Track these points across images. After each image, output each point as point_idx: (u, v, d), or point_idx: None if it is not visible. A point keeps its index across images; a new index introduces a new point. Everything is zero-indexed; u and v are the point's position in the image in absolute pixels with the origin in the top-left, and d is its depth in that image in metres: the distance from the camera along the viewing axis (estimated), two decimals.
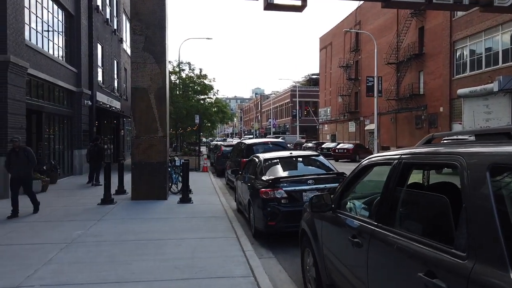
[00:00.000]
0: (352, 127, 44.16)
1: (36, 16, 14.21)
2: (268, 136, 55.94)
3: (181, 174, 11.42)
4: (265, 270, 5.25)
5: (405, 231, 2.66)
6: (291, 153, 9.23)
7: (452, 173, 2.84)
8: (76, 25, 17.65)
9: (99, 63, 20.94)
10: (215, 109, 31.50)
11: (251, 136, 69.22)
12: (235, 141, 36.24)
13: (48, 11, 15.29)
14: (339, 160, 29.83)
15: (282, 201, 6.83)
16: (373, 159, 3.61)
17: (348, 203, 3.87)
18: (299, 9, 10.14)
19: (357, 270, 3.22)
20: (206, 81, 30.27)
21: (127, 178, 11.85)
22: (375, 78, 30.44)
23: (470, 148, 2.35)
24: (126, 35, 27.57)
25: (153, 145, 11.04)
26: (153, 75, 11.11)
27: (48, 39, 15.40)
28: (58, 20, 16.40)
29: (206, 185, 14.60)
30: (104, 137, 22.29)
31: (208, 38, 32.27)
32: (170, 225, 7.97)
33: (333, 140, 46.62)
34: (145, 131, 11.05)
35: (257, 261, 5.56)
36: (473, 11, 20.33)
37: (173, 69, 29.97)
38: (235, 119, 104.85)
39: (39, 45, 14.41)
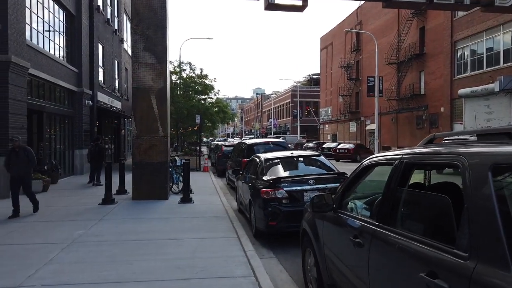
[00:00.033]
0: (353, 127, 44.13)
1: (37, 16, 14.22)
2: (269, 136, 55.95)
3: (182, 174, 11.42)
4: (266, 270, 5.24)
5: (407, 231, 2.66)
6: (292, 153, 9.23)
7: (452, 173, 2.85)
8: (77, 25, 17.67)
9: (100, 63, 20.95)
10: (216, 109, 31.49)
11: (252, 136, 69.18)
12: (236, 141, 36.24)
13: (49, 11, 15.30)
14: (340, 160, 29.82)
15: (283, 201, 6.82)
16: (374, 159, 3.61)
17: (350, 203, 3.86)
18: (300, 9, 10.14)
19: (359, 270, 3.21)
20: (207, 81, 30.29)
21: (128, 178, 11.86)
22: (376, 78, 30.41)
23: (471, 148, 2.35)
24: (127, 35, 27.59)
25: (154, 145, 11.04)
26: (154, 75, 11.11)
27: (49, 39, 15.42)
28: (59, 20, 16.42)
29: (207, 185, 14.60)
30: (105, 137, 22.29)
31: (209, 38, 32.34)
32: (171, 225, 7.98)
33: (334, 140, 46.59)
34: (146, 131, 11.06)
35: (258, 261, 5.56)
36: (474, 11, 20.31)
37: (174, 69, 29.99)
38: (236, 119, 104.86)
39: (40, 45, 14.43)
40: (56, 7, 16.00)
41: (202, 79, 30.33)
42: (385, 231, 2.85)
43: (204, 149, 37.08)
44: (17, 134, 10.44)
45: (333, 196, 3.97)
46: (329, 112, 51.40)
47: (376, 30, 36.80)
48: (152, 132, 11.06)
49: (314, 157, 8.89)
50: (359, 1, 23.83)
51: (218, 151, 21.98)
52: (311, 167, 8.41)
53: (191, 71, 31.02)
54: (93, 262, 5.57)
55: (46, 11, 15.00)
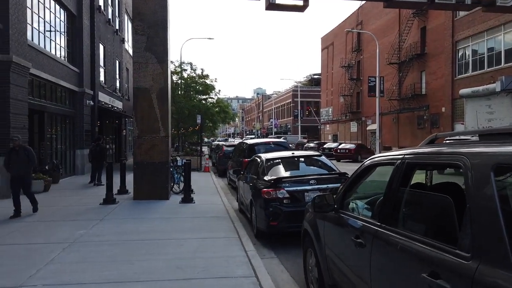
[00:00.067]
0: (354, 127, 44.11)
1: (39, 16, 14.24)
2: (269, 136, 55.93)
3: (183, 174, 11.42)
4: (267, 270, 5.24)
5: (409, 231, 2.65)
6: (293, 153, 9.22)
7: (454, 173, 2.84)
8: (78, 25, 17.68)
9: (101, 63, 20.97)
10: (217, 109, 31.49)
11: (253, 136, 69.18)
12: (236, 141, 36.25)
13: (50, 11, 15.32)
14: (341, 160, 29.79)
15: (284, 201, 6.82)
16: (376, 159, 3.60)
17: (351, 203, 3.85)
18: (301, 9, 10.14)
19: (360, 270, 3.21)
20: (208, 81, 30.30)
21: (129, 178, 11.86)
22: (377, 78, 30.38)
23: (474, 148, 2.34)
24: (128, 35, 27.60)
25: (155, 145, 11.05)
26: (155, 75, 11.12)
27: (50, 39, 15.43)
28: (60, 20, 16.44)
29: (208, 185, 14.60)
30: (106, 137, 22.33)
31: (210, 38, 32.36)
32: (172, 225, 7.98)
33: (334, 140, 46.56)
34: (147, 131, 11.06)
35: (259, 261, 5.56)
36: (475, 11, 20.28)
37: (175, 69, 30.00)
38: (236, 119, 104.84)
39: (41, 45, 14.45)
40: (57, 7, 16.02)
41: (203, 79, 30.34)
42: (387, 231, 2.84)
43: (205, 149, 37.10)
44: (18, 134, 10.44)
45: (334, 196, 3.97)
46: (330, 112, 51.37)
47: (377, 30, 36.77)
48: (153, 132, 11.07)
49: (315, 157, 8.88)
50: (360, 1, 23.81)
51: (219, 151, 21.97)
52: (312, 167, 8.40)
53: (192, 71, 31.06)
54: (94, 262, 5.57)
55: (47, 11, 15.02)
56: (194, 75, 30.83)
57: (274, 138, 40.75)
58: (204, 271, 5.16)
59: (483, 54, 24.85)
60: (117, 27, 24.31)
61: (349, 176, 5.19)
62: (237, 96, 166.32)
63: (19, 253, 6.02)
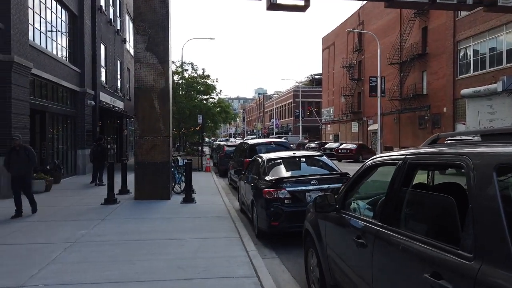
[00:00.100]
0: (355, 127, 44.09)
1: (40, 17, 14.26)
2: (271, 136, 55.94)
3: (184, 174, 11.43)
4: (269, 271, 5.23)
5: (410, 231, 2.65)
6: (294, 153, 9.21)
7: (455, 174, 2.83)
8: (79, 25, 17.70)
9: (103, 63, 20.99)
10: (218, 109, 31.51)
11: (254, 136, 69.22)
12: (238, 141, 36.25)
13: (51, 12, 15.34)
14: (342, 161, 29.78)
15: (286, 201, 6.82)
16: (377, 159, 3.59)
17: (352, 203, 3.85)
18: (302, 9, 10.13)
19: (362, 270, 3.20)
20: (209, 81, 30.31)
21: (130, 178, 11.87)
22: (378, 78, 30.36)
23: (476, 148, 2.34)
24: (129, 35, 27.62)
25: (156, 145, 11.05)
26: (156, 75, 11.12)
27: (52, 39, 15.45)
28: (61, 20, 16.46)
29: (209, 185, 14.60)
30: (107, 137, 22.36)
31: (211, 38, 32.34)
32: (173, 225, 7.98)
33: (336, 140, 46.56)
34: (148, 131, 11.07)
35: (260, 261, 5.55)
36: (477, 11, 20.26)
37: (176, 69, 30.00)
38: (237, 119, 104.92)
39: (43, 45, 14.46)
40: (59, 7, 16.04)
41: (204, 79, 30.35)
42: (388, 231, 2.83)
43: (206, 149, 37.11)
44: (19, 134, 10.45)
45: (336, 196, 3.96)
46: (331, 112, 51.34)
47: (378, 30, 36.75)
48: (155, 132, 11.07)
49: (317, 157, 8.87)
50: (361, 1, 23.76)
51: (220, 151, 21.98)
52: (313, 167, 8.40)
53: (193, 71, 31.09)
54: (96, 262, 5.57)
55: (48, 12, 15.04)
56: (195, 75, 30.86)
57: (275, 138, 40.76)
58: (205, 271, 5.16)
59: (484, 54, 24.81)
60: (118, 27, 24.33)
61: (350, 176, 5.18)
62: (238, 96, 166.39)
63: (21, 253, 6.02)
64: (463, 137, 12.82)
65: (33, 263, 5.49)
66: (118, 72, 25.12)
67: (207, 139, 56.79)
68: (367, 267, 3.05)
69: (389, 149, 31.76)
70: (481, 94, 24.09)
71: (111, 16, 22.66)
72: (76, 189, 13.46)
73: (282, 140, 21.46)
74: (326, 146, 36.05)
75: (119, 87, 25.12)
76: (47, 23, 14.96)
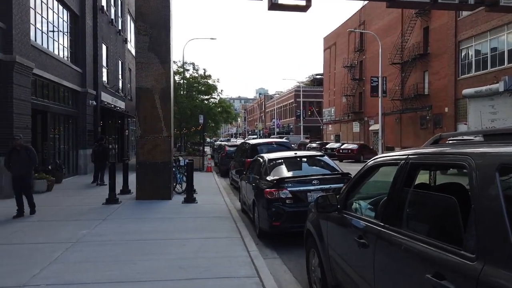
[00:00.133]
0: (356, 127, 44.04)
1: (42, 17, 14.29)
2: (272, 136, 55.87)
3: (186, 174, 11.43)
4: (270, 271, 5.23)
5: (412, 232, 2.64)
6: (295, 153, 9.19)
7: (457, 174, 2.83)
8: (81, 25, 17.73)
9: (104, 63, 21.02)
10: (219, 109, 31.52)
11: (255, 136, 69.20)
12: (239, 141, 36.27)
13: (53, 12, 15.37)
14: (344, 161, 29.75)
15: (287, 201, 6.81)
16: (379, 159, 3.59)
17: (354, 203, 3.84)
18: (303, 9, 10.13)
19: (363, 271, 3.20)
20: (210, 81, 30.32)
21: (132, 178, 11.88)
22: (380, 78, 30.31)
23: (478, 149, 2.33)
24: (131, 35, 27.64)
25: (157, 145, 11.06)
26: (158, 75, 11.13)
27: (53, 40, 15.48)
28: (63, 20, 16.48)
29: (210, 185, 14.60)
30: (109, 137, 22.40)
31: (212, 38, 32.34)
32: (175, 225, 7.98)
33: (337, 141, 46.52)
34: (150, 131, 11.08)
35: (261, 262, 5.55)
36: (479, 11, 20.23)
37: (177, 69, 30.02)
38: (239, 119, 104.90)
39: (45, 45, 14.49)
40: (60, 7, 16.07)
41: (206, 79, 30.37)
42: (390, 231, 2.83)
43: (207, 149, 37.12)
44: (21, 134, 10.46)
45: (337, 196, 3.96)
46: (333, 112, 51.31)
47: (379, 30, 36.71)
48: (156, 132, 11.08)
49: (318, 157, 8.87)
50: (362, 1, 23.74)
51: (221, 151, 21.99)
52: (315, 167, 8.39)
53: (195, 71, 31.10)
54: (97, 261, 5.58)
55: (50, 12, 15.06)
56: (197, 75, 30.88)
57: (277, 138, 40.74)
58: (207, 271, 5.16)
59: (486, 54, 24.76)
60: (119, 28, 24.35)
61: (352, 176, 5.18)
62: (239, 96, 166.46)
63: (22, 253, 6.03)
64: (465, 137, 12.82)
65: (35, 263, 5.50)
66: (120, 72, 25.14)
67: (208, 139, 56.83)
68: (369, 267, 3.04)
69: (391, 149, 31.72)
70: (483, 94, 24.04)
71: (112, 16, 22.69)
72: (77, 189, 13.48)
73: (284, 140, 21.44)
74: (327, 146, 36.02)
75: (120, 87, 25.14)
76: (49, 23, 14.98)
